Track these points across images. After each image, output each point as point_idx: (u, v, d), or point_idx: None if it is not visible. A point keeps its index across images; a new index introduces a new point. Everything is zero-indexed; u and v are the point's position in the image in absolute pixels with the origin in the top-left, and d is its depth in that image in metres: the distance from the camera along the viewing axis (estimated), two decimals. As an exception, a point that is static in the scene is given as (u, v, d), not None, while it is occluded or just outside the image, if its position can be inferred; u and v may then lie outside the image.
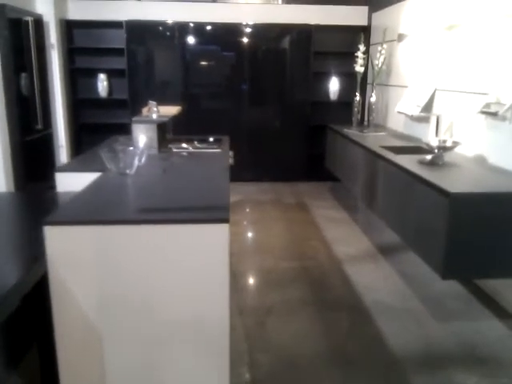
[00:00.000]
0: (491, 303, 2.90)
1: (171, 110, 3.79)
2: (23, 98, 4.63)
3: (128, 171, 2.68)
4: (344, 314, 2.80)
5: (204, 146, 3.77)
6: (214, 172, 2.82)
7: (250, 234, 4.17)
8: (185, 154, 3.39)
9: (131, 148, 2.74)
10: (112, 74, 5.80)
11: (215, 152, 3.52)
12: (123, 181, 2.53)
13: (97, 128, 5.68)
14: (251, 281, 3.24)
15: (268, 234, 4.20)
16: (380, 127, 4.95)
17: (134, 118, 3.35)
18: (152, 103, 3.51)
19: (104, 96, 5.82)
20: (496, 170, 2.83)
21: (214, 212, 1.98)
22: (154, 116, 3.47)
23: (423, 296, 3.01)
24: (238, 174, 5.88)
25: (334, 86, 5.81)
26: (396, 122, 4.71)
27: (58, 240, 1.83)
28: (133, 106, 5.60)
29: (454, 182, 2.55)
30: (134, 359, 2.00)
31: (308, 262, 3.56)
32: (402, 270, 3.40)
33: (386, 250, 3.76)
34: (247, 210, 4.89)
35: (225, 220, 1.89)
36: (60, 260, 1.86)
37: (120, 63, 5.67)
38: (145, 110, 3.63)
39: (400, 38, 4.53)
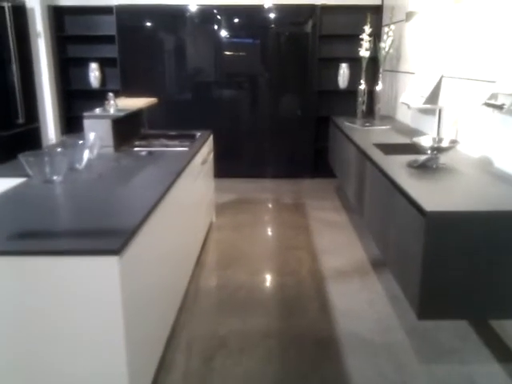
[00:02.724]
0: (493, 340, 2.35)
1: (137, 103, 3.37)
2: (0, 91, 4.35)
3: (55, 178, 2.30)
4: (309, 351, 2.33)
5: (174, 143, 3.36)
6: (158, 178, 2.39)
7: (229, 241, 3.71)
8: (144, 153, 2.99)
9: (59, 149, 2.35)
10: (105, 63, 5.46)
11: (180, 151, 3.09)
12: (39, 191, 2.14)
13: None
14: (211, 302, 2.79)
15: (251, 242, 3.74)
16: (387, 119, 4.38)
17: (86, 113, 2.95)
18: (110, 95, 3.11)
19: (96, 87, 5.49)
20: (500, 178, 2.27)
21: (103, 239, 1.55)
22: (111, 110, 3.07)
23: (411, 327, 2.50)
24: (238, 169, 5.46)
25: (343, 73, 5.25)
26: (404, 114, 4.13)
27: None
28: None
29: (439, 195, 2.02)
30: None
31: (287, 277, 3.10)
32: (393, 291, 2.88)
33: (380, 265, 3.25)
34: (237, 211, 4.42)
35: (111, 252, 1.47)
36: None
37: (113, 52, 5.31)
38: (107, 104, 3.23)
39: (408, 16, 3.93)
